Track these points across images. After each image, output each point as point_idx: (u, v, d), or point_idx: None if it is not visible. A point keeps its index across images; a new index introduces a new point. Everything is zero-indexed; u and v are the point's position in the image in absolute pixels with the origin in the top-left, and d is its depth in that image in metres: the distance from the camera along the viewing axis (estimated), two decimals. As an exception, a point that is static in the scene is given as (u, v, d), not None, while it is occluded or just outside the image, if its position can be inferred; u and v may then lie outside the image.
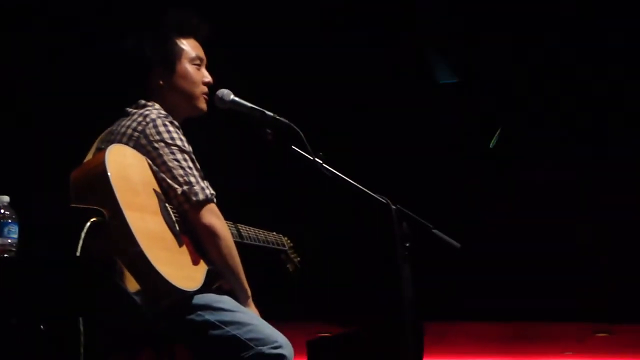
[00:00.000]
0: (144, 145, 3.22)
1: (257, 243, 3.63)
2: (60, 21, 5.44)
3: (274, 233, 3.79)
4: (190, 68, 3.42)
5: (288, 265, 3.87)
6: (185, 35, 3.44)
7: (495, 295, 6.62)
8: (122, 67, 3.43)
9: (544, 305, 6.72)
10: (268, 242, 3.71)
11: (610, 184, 6.61)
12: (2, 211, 2.90)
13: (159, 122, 3.24)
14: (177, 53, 3.40)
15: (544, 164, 6.66)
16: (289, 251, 3.86)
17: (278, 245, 3.79)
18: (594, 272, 6.68)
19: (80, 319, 2.81)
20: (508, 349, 8.35)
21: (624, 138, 6.45)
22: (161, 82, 3.39)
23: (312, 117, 3.99)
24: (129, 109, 3.36)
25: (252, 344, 3.14)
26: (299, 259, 3.90)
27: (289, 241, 3.88)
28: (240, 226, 3.54)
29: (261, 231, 3.69)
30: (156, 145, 3.21)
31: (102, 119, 3.43)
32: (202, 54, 3.46)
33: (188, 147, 3.26)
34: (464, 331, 7.60)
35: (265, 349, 3.14)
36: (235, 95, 3.39)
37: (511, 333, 7.68)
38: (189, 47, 3.43)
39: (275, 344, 3.16)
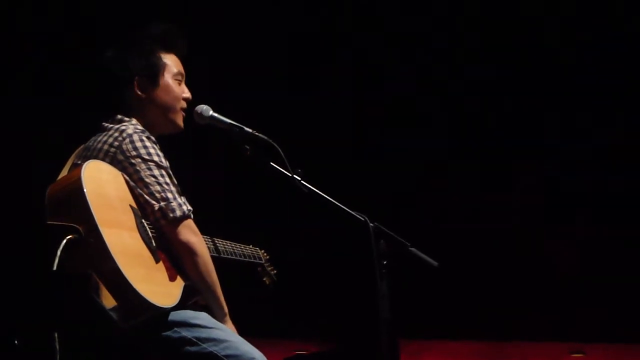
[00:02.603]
0: (121, 161, 3.21)
1: (234, 257, 3.63)
2: (41, 34, 5.43)
3: (251, 246, 3.79)
4: (172, 82, 3.43)
5: (265, 279, 3.88)
6: (167, 49, 3.45)
7: (471, 313, 6.62)
8: (100, 80, 3.42)
9: (520, 324, 6.73)
10: (245, 256, 3.71)
11: (580, 202, 6.64)
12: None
13: (135, 137, 3.23)
14: (161, 67, 3.41)
15: (518, 185, 6.68)
16: (265, 264, 3.86)
17: (255, 258, 3.79)
18: (571, 292, 6.70)
19: (56, 335, 2.79)
20: (483, 368, 8.34)
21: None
22: (143, 96, 3.38)
23: (290, 135, 4.00)
24: (106, 124, 3.35)
25: (229, 361, 3.14)
26: (275, 272, 3.90)
27: (265, 254, 3.88)
28: (217, 240, 3.53)
29: (238, 245, 3.68)
30: (133, 161, 3.20)
31: (79, 133, 3.42)
32: (182, 69, 3.48)
33: (165, 163, 3.25)
34: (440, 350, 7.59)
35: (242, 366, 3.14)
36: (214, 111, 3.40)
37: (487, 352, 7.68)
38: (171, 62, 3.45)
39: (252, 361, 3.15)
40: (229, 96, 4.79)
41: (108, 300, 2.97)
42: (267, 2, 6.00)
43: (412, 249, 3.26)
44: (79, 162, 3.26)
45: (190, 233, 3.19)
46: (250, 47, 6.03)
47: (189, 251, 3.19)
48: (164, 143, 3.35)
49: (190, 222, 3.21)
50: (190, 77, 3.51)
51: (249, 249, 3.76)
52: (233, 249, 3.64)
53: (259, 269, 3.85)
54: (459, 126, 6.46)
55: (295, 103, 6.08)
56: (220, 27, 5.89)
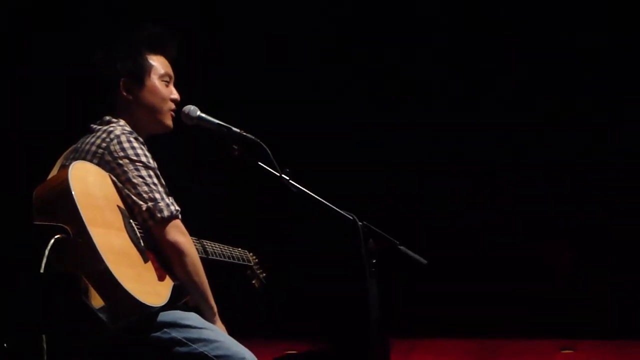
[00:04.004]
0: (109, 161, 3.21)
1: (223, 259, 3.63)
2: (30, 34, 5.42)
3: (239, 249, 3.79)
4: (159, 84, 3.42)
5: (253, 281, 3.88)
6: (155, 51, 3.44)
7: (461, 311, 6.63)
8: (89, 82, 3.42)
9: (510, 321, 6.74)
10: (233, 258, 3.72)
11: (575, 200, 6.65)
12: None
13: (123, 138, 3.23)
14: (147, 68, 3.40)
15: (508, 184, 6.69)
16: (254, 267, 3.86)
17: (243, 260, 3.79)
18: (559, 288, 6.72)
19: (43, 336, 2.78)
20: (474, 366, 8.35)
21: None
22: (130, 97, 3.38)
23: (279, 133, 4.01)
24: (93, 126, 3.35)
25: (219, 361, 3.14)
26: (264, 274, 3.91)
27: (254, 257, 3.88)
28: (205, 242, 3.54)
29: (226, 247, 3.69)
30: (120, 161, 3.21)
31: (67, 135, 3.41)
32: (170, 71, 3.47)
33: (153, 163, 3.25)
34: (430, 348, 7.59)
35: (233, 366, 3.13)
36: (202, 111, 3.40)
37: (477, 350, 7.69)
38: (158, 63, 3.44)
39: (243, 361, 3.15)
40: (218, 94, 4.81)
41: (96, 301, 2.96)
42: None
43: (401, 247, 3.26)
44: (67, 163, 3.26)
45: (178, 233, 3.19)
46: (242, 44, 6.04)
47: (177, 251, 3.18)
48: (153, 144, 3.35)
49: (178, 222, 3.21)
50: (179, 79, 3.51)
51: (237, 251, 3.77)
52: (222, 251, 3.64)
53: (248, 271, 3.85)
54: (452, 125, 6.47)
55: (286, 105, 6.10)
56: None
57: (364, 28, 6.25)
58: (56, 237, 2.94)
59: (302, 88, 6.24)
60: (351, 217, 3.23)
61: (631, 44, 6.09)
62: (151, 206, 3.18)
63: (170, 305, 3.15)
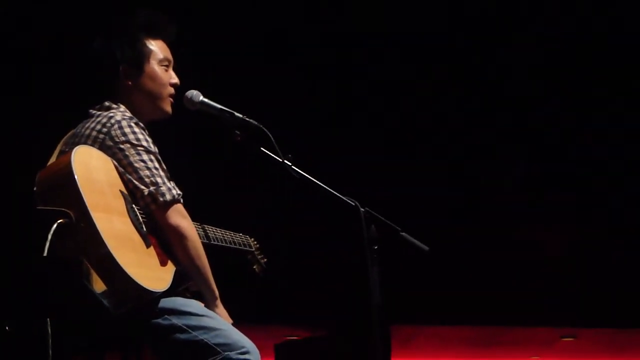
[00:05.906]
0: (110, 146, 3.20)
1: (224, 244, 3.63)
2: (27, 22, 5.41)
3: (241, 234, 3.79)
4: (158, 69, 3.41)
5: (255, 267, 3.87)
6: (154, 36, 3.42)
7: (463, 299, 6.64)
8: (88, 68, 3.40)
9: (511, 309, 6.75)
10: (235, 243, 3.71)
11: (569, 194, 6.66)
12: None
13: (124, 123, 3.23)
14: (146, 54, 3.38)
15: (511, 175, 6.69)
16: (255, 252, 3.86)
17: (244, 246, 3.79)
18: (560, 278, 6.73)
19: (48, 320, 2.78)
20: (474, 353, 8.38)
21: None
22: (129, 83, 3.37)
23: (282, 120, 4.00)
24: (93, 111, 3.34)
25: (219, 349, 3.13)
26: (265, 260, 3.90)
27: (255, 242, 3.87)
28: (207, 227, 3.53)
29: (228, 232, 3.68)
30: (122, 146, 3.20)
31: (66, 121, 3.40)
32: (169, 55, 3.45)
33: (154, 148, 3.24)
34: (431, 335, 7.61)
35: (233, 355, 3.13)
36: (204, 96, 3.38)
37: (478, 337, 7.71)
38: (157, 48, 3.42)
39: (243, 350, 3.15)
40: (220, 81, 4.80)
41: (98, 285, 2.96)
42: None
43: (403, 234, 3.25)
44: (67, 149, 3.25)
45: (180, 217, 3.19)
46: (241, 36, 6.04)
47: (179, 235, 3.18)
48: (154, 129, 3.34)
49: (179, 206, 3.20)
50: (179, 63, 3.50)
51: (239, 237, 3.76)
52: (223, 236, 3.63)
53: (249, 256, 3.85)
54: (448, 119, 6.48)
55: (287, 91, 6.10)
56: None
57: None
58: (59, 221, 2.94)
59: (306, 74, 6.24)
60: (353, 203, 3.22)
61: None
62: (153, 190, 3.17)
63: (172, 291, 3.15)
